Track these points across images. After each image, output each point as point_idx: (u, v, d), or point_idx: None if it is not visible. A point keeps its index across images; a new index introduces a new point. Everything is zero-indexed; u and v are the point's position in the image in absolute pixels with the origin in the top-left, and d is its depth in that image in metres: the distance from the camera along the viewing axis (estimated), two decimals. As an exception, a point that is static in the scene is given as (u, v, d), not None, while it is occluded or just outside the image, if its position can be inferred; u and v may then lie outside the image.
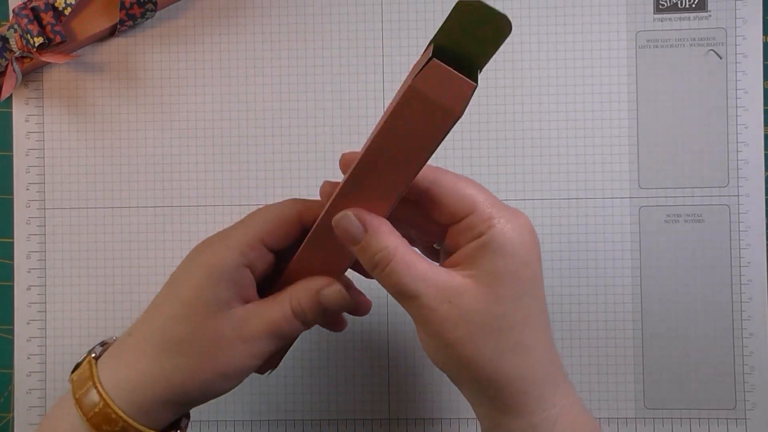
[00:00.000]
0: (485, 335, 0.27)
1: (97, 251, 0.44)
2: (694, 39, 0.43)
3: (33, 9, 0.41)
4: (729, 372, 0.43)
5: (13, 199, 0.44)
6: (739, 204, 0.43)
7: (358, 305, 0.34)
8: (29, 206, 0.44)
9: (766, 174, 0.43)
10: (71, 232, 0.44)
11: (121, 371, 0.29)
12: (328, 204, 0.29)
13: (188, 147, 0.44)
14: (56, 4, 0.42)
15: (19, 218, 0.44)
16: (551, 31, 0.43)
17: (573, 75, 0.43)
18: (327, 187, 0.31)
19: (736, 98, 0.43)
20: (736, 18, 0.43)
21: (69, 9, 0.42)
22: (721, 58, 0.43)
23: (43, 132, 0.44)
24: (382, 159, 0.27)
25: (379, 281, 0.29)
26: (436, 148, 0.27)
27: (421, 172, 0.28)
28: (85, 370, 0.30)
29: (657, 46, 0.43)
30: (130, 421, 0.28)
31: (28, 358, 0.44)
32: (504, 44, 0.24)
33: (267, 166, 0.44)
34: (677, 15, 0.43)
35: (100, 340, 0.37)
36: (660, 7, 0.43)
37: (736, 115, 0.43)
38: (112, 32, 0.44)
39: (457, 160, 0.44)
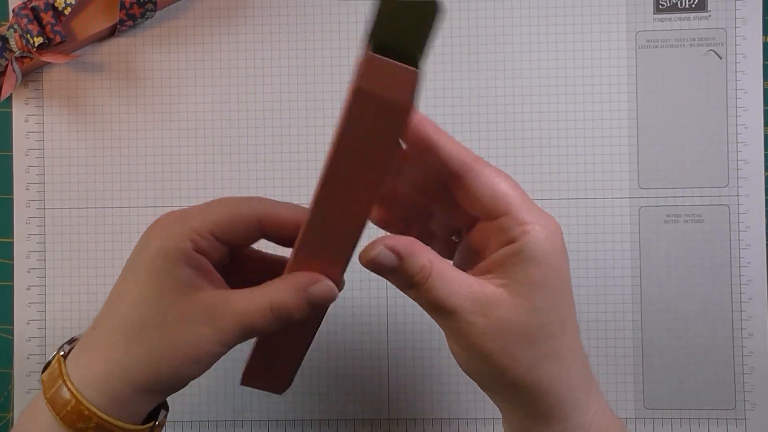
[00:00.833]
0: (522, 346, 0.27)
1: (97, 251, 0.44)
2: (694, 39, 0.43)
3: (33, 9, 0.41)
4: (729, 372, 0.43)
5: (12, 199, 0.44)
6: (738, 204, 0.43)
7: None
8: (29, 206, 0.44)
9: (766, 174, 0.43)
10: (71, 232, 0.44)
11: (91, 365, 0.29)
12: (304, 227, 0.28)
13: (188, 147, 0.44)
14: (56, 4, 0.42)
15: (18, 218, 0.44)
16: (551, 31, 0.43)
17: (573, 75, 0.43)
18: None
19: (736, 98, 0.43)
20: (735, 18, 0.43)
21: (69, 9, 0.42)
22: (720, 58, 0.43)
23: (43, 132, 0.44)
24: (347, 168, 0.26)
25: (411, 297, 0.28)
26: (398, 143, 0.26)
27: (460, 157, 0.28)
28: (54, 369, 0.29)
29: (657, 46, 0.43)
30: (104, 416, 0.28)
31: (28, 358, 0.44)
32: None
33: (267, 166, 0.44)
34: (677, 15, 0.43)
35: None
36: (660, 7, 0.43)
37: (736, 115, 0.43)
38: (112, 32, 0.44)
39: (457, 160, 0.44)
